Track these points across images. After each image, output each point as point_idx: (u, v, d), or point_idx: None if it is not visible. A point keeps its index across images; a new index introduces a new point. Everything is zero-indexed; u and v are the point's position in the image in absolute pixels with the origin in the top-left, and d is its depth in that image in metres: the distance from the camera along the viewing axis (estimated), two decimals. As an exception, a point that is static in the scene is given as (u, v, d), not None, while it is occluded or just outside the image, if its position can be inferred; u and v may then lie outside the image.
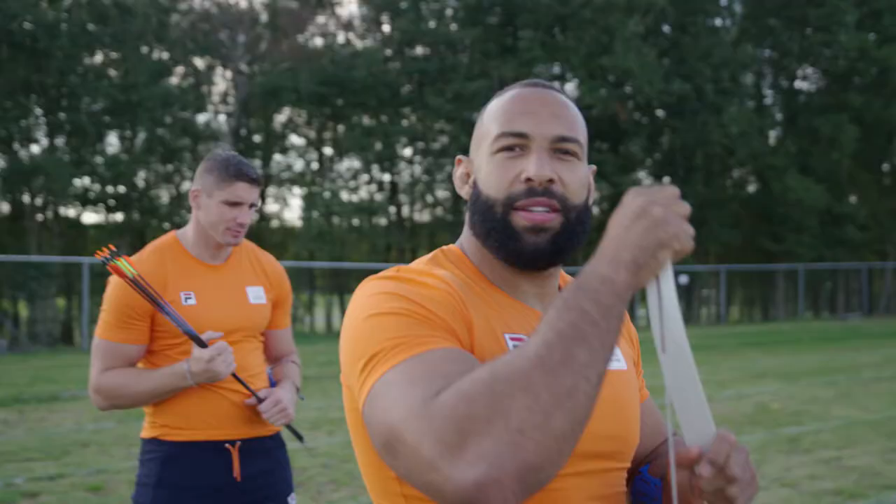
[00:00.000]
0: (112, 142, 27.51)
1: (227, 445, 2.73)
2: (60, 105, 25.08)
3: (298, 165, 32.19)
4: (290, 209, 35.99)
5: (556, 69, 30.01)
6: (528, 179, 1.29)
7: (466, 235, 1.39)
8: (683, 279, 29.15)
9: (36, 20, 23.53)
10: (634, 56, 27.74)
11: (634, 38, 28.30)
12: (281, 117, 30.97)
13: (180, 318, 2.60)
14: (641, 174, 32.88)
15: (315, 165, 32.13)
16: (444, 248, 1.41)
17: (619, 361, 1.39)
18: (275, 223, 34.40)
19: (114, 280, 2.70)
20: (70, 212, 27.24)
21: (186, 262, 2.79)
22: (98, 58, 26.02)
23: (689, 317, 31.54)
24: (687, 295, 31.81)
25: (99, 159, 25.44)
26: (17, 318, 23.58)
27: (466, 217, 1.38)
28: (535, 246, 1.29)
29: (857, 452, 7.64)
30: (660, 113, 31.26)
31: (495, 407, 1.02)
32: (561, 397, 1.04)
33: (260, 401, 2.76)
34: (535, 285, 1.36)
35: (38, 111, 25.20)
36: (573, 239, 1.31)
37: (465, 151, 1.50)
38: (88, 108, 24.57)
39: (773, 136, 34.36)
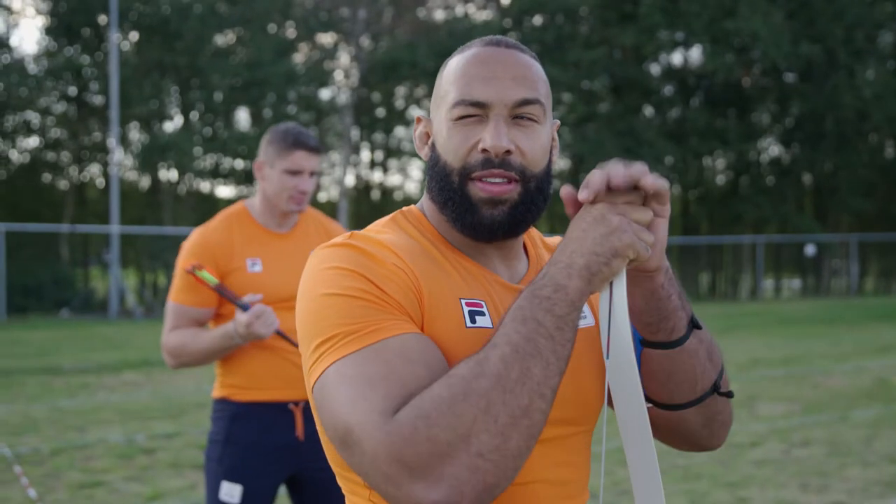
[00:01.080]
0: (241, 118, 28.55)
1: (291, 406, 2.85)
2: (192, 84, 26.16)
3: (419, 138, 32.55)
4: (411, 181, 36.42)
5: (679, 35, 29.18)
6: (485, 150, 1.25)
7: (427, 197, 1.35)
8: (811, 249, 28.06)
9: (170, 3, 24.59)
10: (760, 19, 26.67)
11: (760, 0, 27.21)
12: (402, 90, 31.37)
13: (238, 298, 2.75)
14: (768, 141, 31.73)
15: (436, 138, 32.39)
16: (405, 209, 1.38)
17: (586, 318, 1.34)
18: (398, 195, 35.01)
19: (184, 246, 2.90)
20: (203, 185, 28.47)
21: (253, 231, 2.93)
22: (228, 37, 26.96)
23: (819, 288, 30.38)
24: (815, 266, 30.61)
25: (229, 135, 26.44)
26: (155, 287, 24.91)
27: (426, 180, 1.35)
28: (492, 218, 1.25)
29: (978, 430, 7.30)
30: (788, 78, 30.00)
31: (456, 430, 1.04)
32: (518, 417, 1.06)
33: None
34: (497, 247, 1.33)
35: (173, 90, 26.36)
36: (532, 209, 1.27)
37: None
38: (218, 86, 25.52)
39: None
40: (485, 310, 1.25)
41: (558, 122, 1.39)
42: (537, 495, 1.24)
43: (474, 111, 1.26)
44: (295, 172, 2.86)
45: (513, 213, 1.26)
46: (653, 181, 1.15)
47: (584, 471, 1.32)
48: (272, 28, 27.32)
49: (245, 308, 2.71)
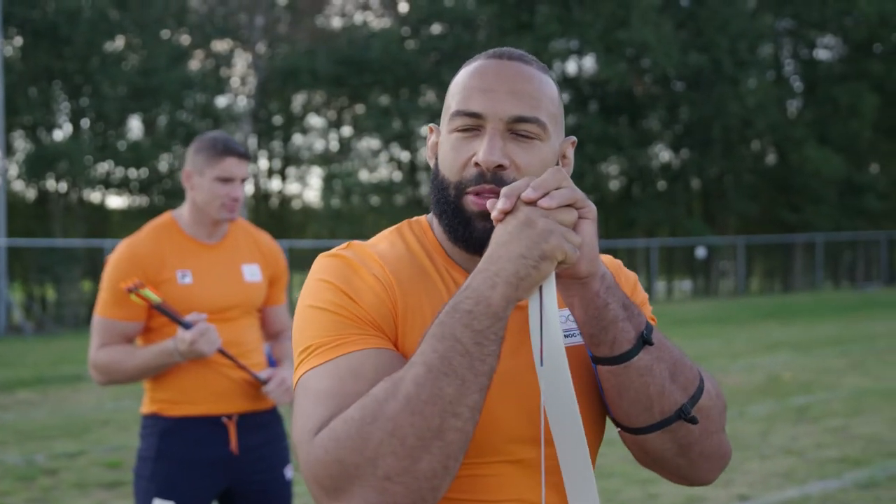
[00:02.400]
0: (134, 126, 27.82)
1: (224, 419, 2.84)
2: (82, 91, 25.35)
3: (318, 146, 32.41)
4: (311, 189, 36.18)
5: (573, 44, 29.87)
6: (478, 164, 1.24)
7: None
8: (702, 252, 29.09)
9: (58, 7, 23.77)
10: (651, 29, 27.56)
11: (651, 10, 28.09)
12: (300, 98, 31.14)
13: (179, 316, 2.71)
14: (659, 147, 32.75)
15: (334, 145, 32.29)
16: (414, 219, 1.38)
17: (573, 337, 1.31)
18: (296, 203, 34.68)
19: (111, 259, 2.84)
20: (94, 196, 27.60)
21: (182, 242, 2.89)
22: (119, 43, 26.24)
23: (708, 289, 31.51)
24: (705, 267, 31.74)
25: (122, 144, 25.72)
26: (43, 302, 23.99)
27: (430, 190, 1.35)
28: (484, 232, 1.23)
29: (864, 421, 7.71)
30: (677, 86, 31.06)
31: (362, 453, 1.06)
32: (427, 440, 1.05)
33: (264, 382, 2.86)
34: None
35: (62, 97, 25.49)
36: None
37: None
38: (110, 94, 24.81)
39: (793, 106, 34.07)
40: None
41: (574, 138, 1.36)
42: None
43: (471, 122, 1.25)
44: (226, 180, 2.84)
45: None
46: (568, 195, 1.13)
47: (561, 492, 1.27)
48: (165, 34, 26.73)
49: (187, 326, 2.68)
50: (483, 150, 1.23)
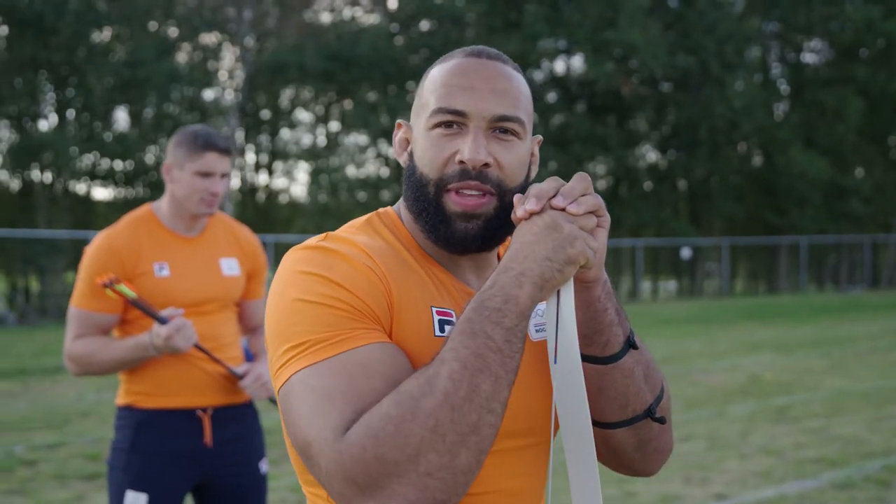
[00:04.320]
0: (121, 118, 27.69)
1: (199, 412, 2.83)
2: (68, 82, 25.21)
3: (306, 141, 32.35)
4: (298, 184, 36.12)
5: (561, 44, 29.91)
6: (462, 162, 1.24)
7: (403, 203, 1.34)
8: (687, 252, 29.19)
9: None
10: (639, 30, 27.63)
11: (639, 11, 28.16)
12: (287, 93, 31.06)
13: (156, 311, 2.70)
14: (646, 148, 32.85)
15: (322, 141, 32.24)
16: (381, 211, 1.37)
17: (543, 331, 1.33)
18: (283, 198, 34.62)
19: (88, 251, 2.83)
20: (79, 187, 27.46)
21: (161, 235, 2.88)
22: (106, 34, 26.10)
23: (693, 289, 31.63)
24: (690, 268, 31.86)
25: (108, 135, 25.59)
26: (27, 293, 23.86)
27: (403, 187, 1.34)
28: (465, 232, 1.26)
29: (843, 421, 7.77)
30: (665, 87, 31.16)
31: (403, 450, 1.06)
32: (466, 435, 1.07)
33: (240, 377, 2.86)
34: (471, 259, 1.33)
35: (47, 87, 25.33)
36: (507, 223, 1.26)
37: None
38: (96, 85, 24.68)
39: (779, 109, 34.23)
40: (454, 320, 1.24)
41: (540, 137, 1.38)
42: None
43: (453, 119, 1.26)
44: (206, 174, 2.83)
45: (487, 227, 1.26)
46: (593, 202, 1.17)
47: (538, 482, 1.32)
48: (153, 26, 26.59)
49: (163, 321, 2.67)
50: (469, 149, 1.24)
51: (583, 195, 1.17)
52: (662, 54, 28.08)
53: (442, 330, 1.24)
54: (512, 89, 1.28)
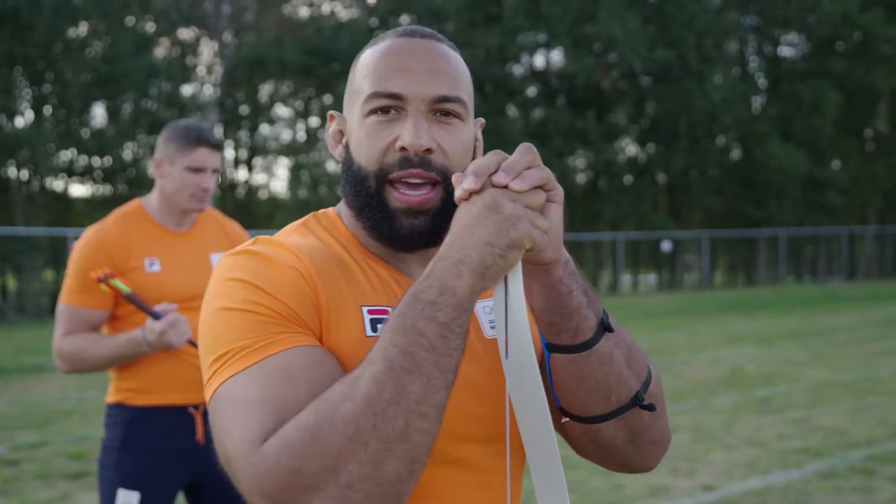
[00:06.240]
0: (98, 114, 27.46)
1: (191, 409, 2.81)
2: (45, 77, 24.96)
3: (285, 136, 32.20)
4: (277, 180, 35.99)
5: (541, 38, 29.96)
6: (403, 148, 1.15)
7: (343, 200, 1.26)
8: (667, 245, 29.34)
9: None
10: (618, 24, 27.71)
11: (618, 5, 28.25)
12: (266, 88, 30.91)
13: (149, 306, 2.67)
14: (626, 141, 32.97)
15: (301, 136, 32.11)
16: (320, 212, 1.29)
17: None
18: (262, 194, 34.48)
19: (77, 246, 2.81)
20: (57, 184, 27.22)
21: (151, 230, 2.86)
22: (82, 29, 25.86)
23: (673, 282, 31.80)
24: (670, 261, 32.03)
25: (85, 131, 25.36)
26: (4, 291, 23.64)
27: (342, 181, 1.25)
28: (411, 229, 1.17)
29: (825, 412, 7.84)
30: (644, 81, 31.27)
31: (321, 461, 0.97)
32: (392, 442, 0.97)
33: (157, 317, 2.78)
34: (418, 251, 1.23)
35: (23, 83, 25.07)
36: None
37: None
38: (73, 81, 24.45)
39: (757, 102, 34.45)
40: None
41: (482, 120, 1.28)
42: None
43: (389, 103, 1.17)
44: (197, 170, 2.81)
45: (434, 222, 1.17)
46: (539, 176, 1.05)
47: (500, 491, 1.22)
48: (130, 21, 26.38)
49: (157, 316, 2.65)
50: (409, 133, 1.15)
51: (528, 168, 1.05)
52: (642, 48, 28.18)
53: (374, 329, 1.15)
54: (450, 68, 1.19)
